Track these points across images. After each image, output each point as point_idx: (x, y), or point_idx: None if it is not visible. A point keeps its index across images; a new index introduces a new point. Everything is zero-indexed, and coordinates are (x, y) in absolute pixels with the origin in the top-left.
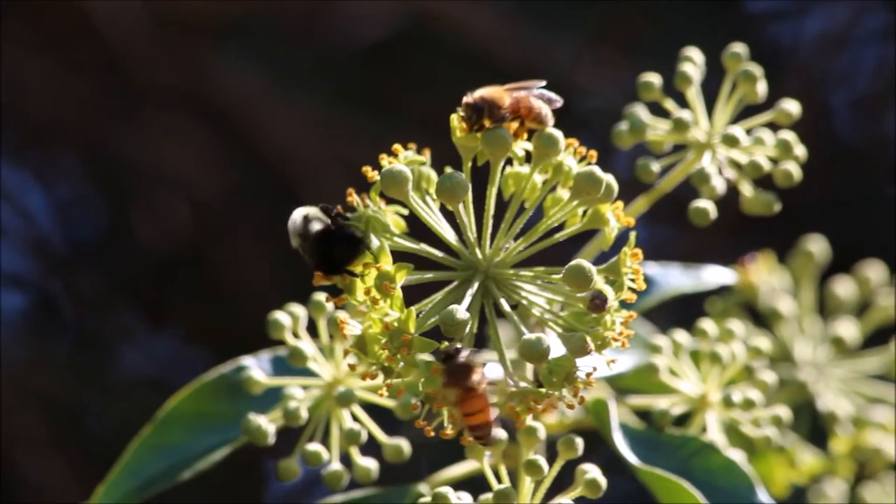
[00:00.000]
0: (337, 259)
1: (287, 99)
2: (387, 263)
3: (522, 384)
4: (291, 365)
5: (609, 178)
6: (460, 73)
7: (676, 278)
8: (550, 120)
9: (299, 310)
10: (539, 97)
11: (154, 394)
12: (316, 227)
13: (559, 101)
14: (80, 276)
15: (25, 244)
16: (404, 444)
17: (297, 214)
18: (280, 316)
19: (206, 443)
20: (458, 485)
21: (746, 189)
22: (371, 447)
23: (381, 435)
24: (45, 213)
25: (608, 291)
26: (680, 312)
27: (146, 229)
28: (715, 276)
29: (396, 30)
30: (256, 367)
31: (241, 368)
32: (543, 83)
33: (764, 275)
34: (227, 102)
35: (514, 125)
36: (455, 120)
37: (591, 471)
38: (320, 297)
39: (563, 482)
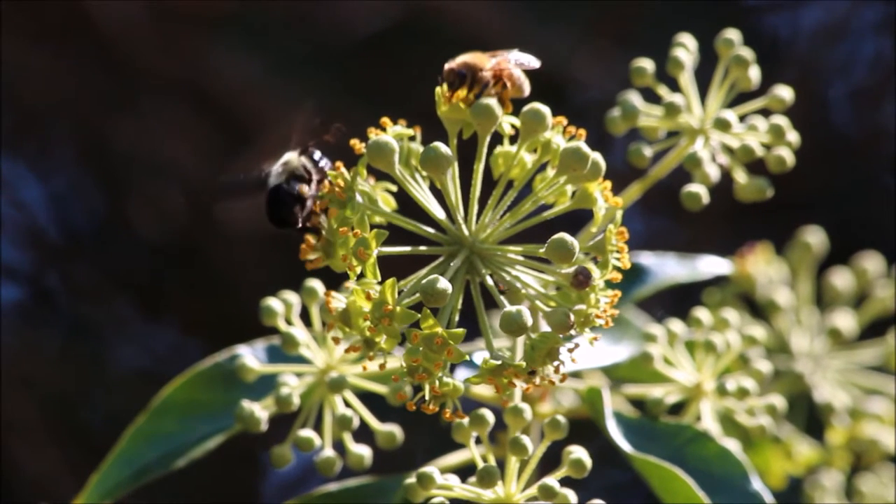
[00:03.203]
0: (280, 217)
1: (284, 89)
2: (364, 231)
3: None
4: (285, 352)
5: (595, 155)
6: (444, 63)
7: (672, 268)
8: (526, 84)
9: (292, 297)
10: (515, 62)
11: (149, 384)
12: (275, 178)
13: (536, 63)
14: (76, 266)
15: (21, 235)
16: (397, 431)
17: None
18: (273, 302)
19: (200, 431)
20: (452, 473)
21: (739, 175)
22: (365, 435)
23: (373, 422)
24: (40, 204)
25: (593, 269)
26: (676, 303)
27: (142, 220)
28: (711, 266)
29: (393, 20)
30: (251, 356)
31: (236, 357)
32: (517, 49)
33: (761, 266)
34: (224, 92)
35: (495, 91)
36: (439, 93)
37: (576, 451)
38: (313, 283)
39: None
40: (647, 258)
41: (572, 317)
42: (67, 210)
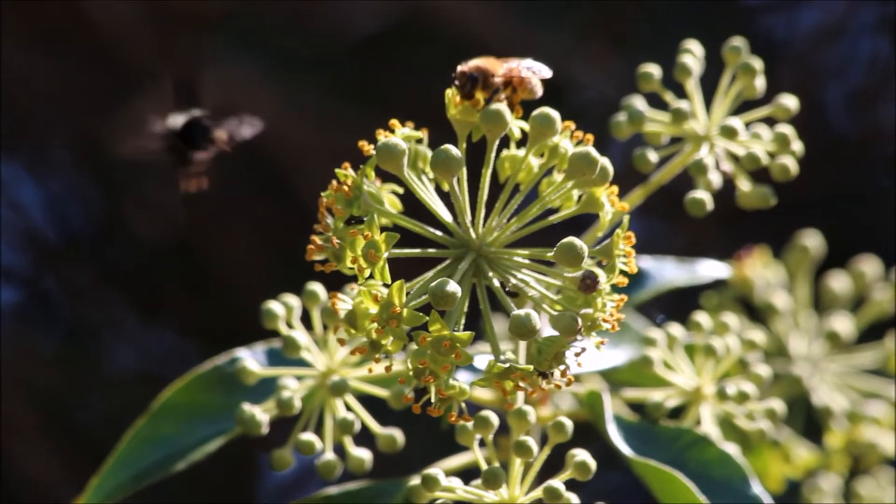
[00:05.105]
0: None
1: (280, 90)
2: (375, 234)
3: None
4: (285, 355)
5: (604, 160)
6: (454, 65)
7: (671, 272)
8: (539, 89)
9: (293, 300)
10: (529, 69)
11: (147, 387)
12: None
13: (549, 72)
14: (74, 268)
15: (18, 237)
16: (397, 434)
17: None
18: (274, 305)
19: (200, 434)
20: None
21: (743, 182)
22: (366, 439)
23: (374, 425)
24: (38, 206)
25: (600, 273)
26: (675, 306)
27: (140, 221)
28: (710, 269)
29: (390, 22)
30: (250, 359)
31: (236, 360)
32: (530, 58)
33: (759, 269)
34: (221, 93)
35: (504, 95)
36: (449, 95)
37: (581, 454)
38: (314, 287)
39: (555, 473)
40: (646, 262)
41: (580, 321)
42: (65, 212)
